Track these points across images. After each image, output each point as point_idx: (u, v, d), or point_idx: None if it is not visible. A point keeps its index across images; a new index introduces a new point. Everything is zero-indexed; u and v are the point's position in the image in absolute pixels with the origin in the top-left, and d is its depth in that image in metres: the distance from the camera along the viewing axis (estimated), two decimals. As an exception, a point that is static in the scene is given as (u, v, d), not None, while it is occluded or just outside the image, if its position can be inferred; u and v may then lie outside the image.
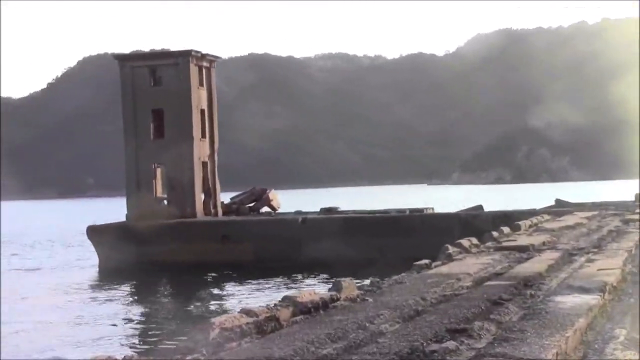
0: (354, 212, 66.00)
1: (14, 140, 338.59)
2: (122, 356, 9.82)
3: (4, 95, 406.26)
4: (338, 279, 15.41)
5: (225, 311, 34.22)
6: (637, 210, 41.65)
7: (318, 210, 65.52)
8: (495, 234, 28.03)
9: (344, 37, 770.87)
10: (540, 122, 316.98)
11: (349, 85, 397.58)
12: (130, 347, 31.46)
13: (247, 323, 11.25)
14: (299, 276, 51.93)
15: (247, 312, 11.86)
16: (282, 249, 57.52)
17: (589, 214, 41.92)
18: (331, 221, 59.72)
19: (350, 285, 15.01)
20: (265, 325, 11.45)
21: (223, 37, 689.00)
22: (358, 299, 14.32)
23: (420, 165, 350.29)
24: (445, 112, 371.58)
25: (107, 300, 47.44)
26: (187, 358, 9.71)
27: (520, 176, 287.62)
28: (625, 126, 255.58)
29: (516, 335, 9.99)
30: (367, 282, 16.85)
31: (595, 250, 21.75)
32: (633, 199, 56.42)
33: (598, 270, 16.58)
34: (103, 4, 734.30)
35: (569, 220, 35.75)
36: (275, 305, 12.83)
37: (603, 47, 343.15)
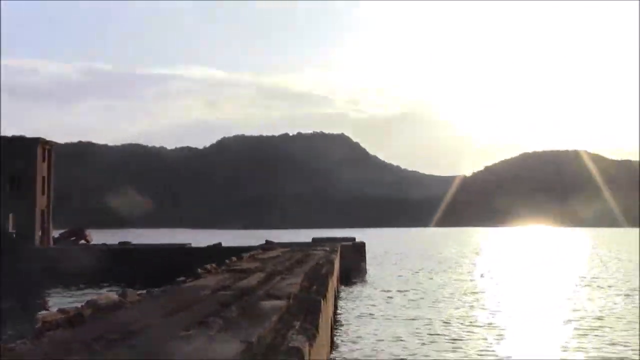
0: (145, 245, 60.04)
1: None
2: None
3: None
4: (125, 289, 14.34)
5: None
6: (312, 249, 41.55)
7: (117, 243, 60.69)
8: (227, 261, 27.52)
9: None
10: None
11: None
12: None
13: (61, 318, 10.32)
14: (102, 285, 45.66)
15: (61, 310, 11.03)
16: (92, 267, 49.94)
17: (285, 249, 41.50)
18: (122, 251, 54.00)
19: (133, 293, 14.11)
20: (73, 319, 10.41)
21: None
22: (138, 302, 13.46)
23: (183, 212, 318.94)
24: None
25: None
26: (17, 342, 8.53)
27: (251, 225, 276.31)
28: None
29: (235, 325, 9.69)
30: (144, 291, 15.55)
31: (287, 272, 21.67)
32: (310, 241, 56.35)
33: (287, 284, 16.63)
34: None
35: (273, 253, 35.71)
36: (82, 306, 11.92)
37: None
